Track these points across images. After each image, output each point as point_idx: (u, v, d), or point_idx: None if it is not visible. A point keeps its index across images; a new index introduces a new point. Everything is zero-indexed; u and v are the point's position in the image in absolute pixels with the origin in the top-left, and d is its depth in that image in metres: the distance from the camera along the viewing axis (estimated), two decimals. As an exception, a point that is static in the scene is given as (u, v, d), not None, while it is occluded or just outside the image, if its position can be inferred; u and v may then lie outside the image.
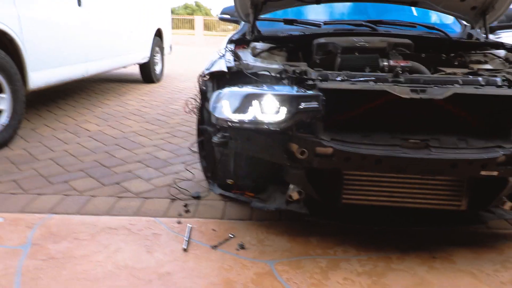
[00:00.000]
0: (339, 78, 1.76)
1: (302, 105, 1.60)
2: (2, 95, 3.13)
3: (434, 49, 2.42)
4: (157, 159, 2.99)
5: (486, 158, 1.57)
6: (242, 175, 2.03)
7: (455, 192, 1.76)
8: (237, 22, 3.31)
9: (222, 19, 3.49)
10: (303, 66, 1.98)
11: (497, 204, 1.75)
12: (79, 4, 4.24)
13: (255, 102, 1.65)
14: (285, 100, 1.61)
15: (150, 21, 6.45)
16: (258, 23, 2.69)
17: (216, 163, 2.05)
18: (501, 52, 2.33)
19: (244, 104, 1.67)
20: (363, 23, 2.82)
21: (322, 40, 2.34)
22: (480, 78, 1.76)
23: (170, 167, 2.84)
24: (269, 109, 1.64)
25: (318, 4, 2.74)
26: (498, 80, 1.74)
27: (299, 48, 2.46)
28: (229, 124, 1.70)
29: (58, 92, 5.38)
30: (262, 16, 2.75)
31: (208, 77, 2.04)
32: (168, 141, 3.46)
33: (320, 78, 1.75)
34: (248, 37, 2.64)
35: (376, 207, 1.83)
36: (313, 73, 1.79)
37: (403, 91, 1.61)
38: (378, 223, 1.89)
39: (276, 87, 1.71)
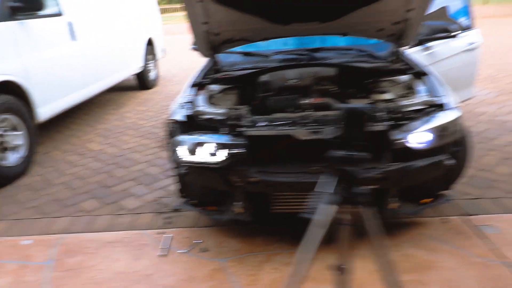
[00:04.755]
0: (263, 123, 2.38)
1: (233, 151, 2.25)
2: (19, 133, 3.83)
3: (357, 76, 3.02)
4: (149, 176, 3.68)
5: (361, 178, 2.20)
6: (202, 194, 2.70)
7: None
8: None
9: (194, 49, 4.08)
10: (243, 110, 2.59)
11: (383, 206, 2.40)
12: (74, 39, 4.86)
13: (200, 148, 2.32)
14: (219, 147, 2.27)
15: (141, 32, 7.01)
16: (221, 54, 3.30)
17: (184, 186, 2.72)
18: (406, 77, 2.89)
19: (193, 149, 2.34)
20: (305, 52, 3.40)
21: (263, 79, 2.95)
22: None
23: (159, 183, 3.52)
24: (210, 153, 2.30)
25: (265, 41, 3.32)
26: (379, 115, 2.34)
27: (247, 84, 3.08)
28: (184, 163, 2.37)
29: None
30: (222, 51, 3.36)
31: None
32: (159, 156, 4.13)
33: (248, 124, 2.38)
34: (209, 73, 3.26)
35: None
36: (244, 120, 2.42)
37: (302, 134, 2.25)
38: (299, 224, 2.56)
39: (215, 136, 2.36)
